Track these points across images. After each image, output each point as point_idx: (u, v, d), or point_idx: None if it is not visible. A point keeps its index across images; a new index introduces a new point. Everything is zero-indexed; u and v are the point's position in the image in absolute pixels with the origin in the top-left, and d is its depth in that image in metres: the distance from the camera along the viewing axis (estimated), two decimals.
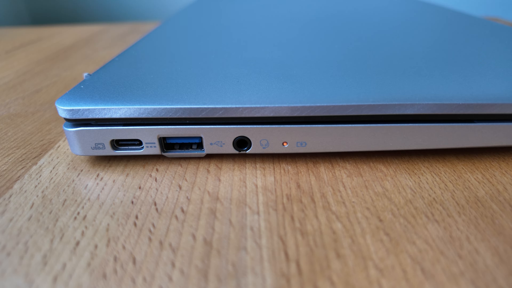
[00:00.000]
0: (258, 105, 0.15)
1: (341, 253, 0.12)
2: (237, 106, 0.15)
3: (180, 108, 0.15)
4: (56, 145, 0.19)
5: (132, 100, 0.15)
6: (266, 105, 0.15)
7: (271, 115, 0.15)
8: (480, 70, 0.18)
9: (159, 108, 0.15)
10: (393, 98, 0.15)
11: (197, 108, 0.15)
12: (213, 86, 0.16)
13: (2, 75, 0.32)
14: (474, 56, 0.20)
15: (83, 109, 0.15)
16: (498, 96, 0.15)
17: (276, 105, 0.15)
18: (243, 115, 0.15)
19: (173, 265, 0.12)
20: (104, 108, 0.15)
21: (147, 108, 0.15)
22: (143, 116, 0.15)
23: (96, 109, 0.15)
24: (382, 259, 0.12)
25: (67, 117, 0.15)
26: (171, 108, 0.15)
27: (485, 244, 0.12)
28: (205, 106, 0.15)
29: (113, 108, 0.15)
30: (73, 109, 0.15)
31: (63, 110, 0.15)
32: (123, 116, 0.15)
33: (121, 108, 0.15)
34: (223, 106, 0.15)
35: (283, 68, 0.18)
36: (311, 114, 0.15)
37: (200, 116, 0.15)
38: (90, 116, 0.15)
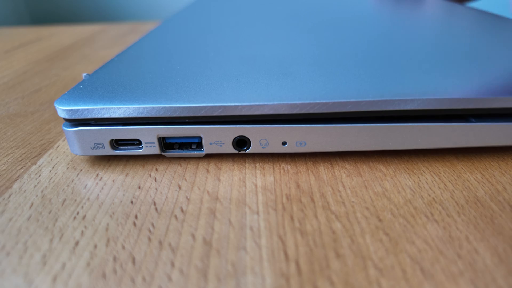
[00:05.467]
0: (257, 103, 0.15)
1: (340, 252, 0.12)
2: (236, 104, 0.15)
3: (179, 107, 0.15)
4: (56, 145, 0.19)
5: (131, 99, 0.15)
6: (265, 103, 0.15)
7: (271, 112, 0.15)
8: (480, 64, 0.18)
9: (158, 107, 0.15)
10: (393, 93, 0.15)
11: (196, 106, 0.15)
12: (212, 85, 0.16)
13: (1, 75, 0.32)
14: (474, 50, 0.20)
15: (82, 109, 0.15)
16: (499, 90, 0.15)
17: (275, 103, 0.15)
18: (242, 113, 0.15)
19: (172, 265, 0.12)
20: (103, 108, 0.15)
21: (146, 107, 0.15)
22: (142, 115, 0.15)
23: (95, 109, 0.15)
24: (382, 258, 0.12)
25: (66, 117, 0.15)
26: (170, 107, 0.15)
27: (485, 244, 0.12)
28: (204, 105, 0.15)
29: (112, 108, 0.15)
30: (72, 109, 0.15)
31: (62, 110, 0.15)
32: (122, 116, 0.15)
33: (120, 107, 0.15)
34: (222, 104, 0.15)
35: (282, 66, 0.18)
36: (311, 111, 0.15)
37: (199, 114, 0.15)
38: (90, 116, 0.15)
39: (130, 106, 0.15)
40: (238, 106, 0.15)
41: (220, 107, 0.15)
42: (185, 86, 0.16)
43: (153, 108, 0.15)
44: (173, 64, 0.19)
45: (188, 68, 0.18)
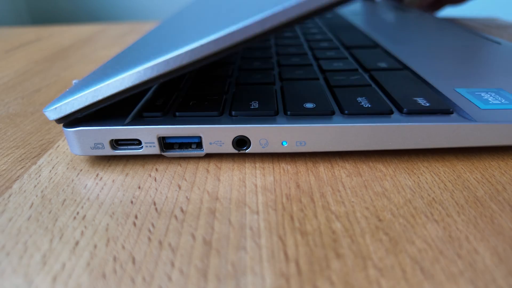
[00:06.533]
0: (228, 31, 0.14)
1: (340, 252, 0.12)
2: (208, 40, 0.14)
3: (156, 64, 0.14)
4: (56, 145, 0.19)
5: (105, 79, 0.15)
6: (235, 29, 0.13)
7: (242, 38, 0.14)
8: None
9: (132, 73, 0.14)
10: None
11: (170, 58, 0.14)
12: (182, 41, 0.15)
13: (1, 75, 0.32)
14: None
15: (63, 104, 0.15)
16: None
17: (244, 25, 0.13)
18: (217, 49, 0.14)
19: (172, 265, 0.12)
20: (82, 95, 0.15)
21: (120, 79, 0.15)
22: (121, 88, 0.15)
23: (75, 99, 0.15)
24: (382, 258, 0.12)
25: (54, 118, 0.15)
26: (147, 68, 0.14)
27: (484, 244, 0.12)
28: (176, 54, 0.14)
29: (90, 92, 0.15)
30: (55, 108, 0.15)
31: (49, 112, 0.15)
32: (102, 97, 0.15)
33: (99, 88, 0.15)
34: (187, 49, 0.14)
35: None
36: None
37: (170, 68, 0.14)
38: (73, 109, 0.15)
39: (104, 84, 0.15)
40: (203, 44, 0.14)
41: (186, 53, 0.14)
42: (160, 50, 0.15)
43: (131, 75, 0.14)
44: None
45: (166, 41, 0.17)
